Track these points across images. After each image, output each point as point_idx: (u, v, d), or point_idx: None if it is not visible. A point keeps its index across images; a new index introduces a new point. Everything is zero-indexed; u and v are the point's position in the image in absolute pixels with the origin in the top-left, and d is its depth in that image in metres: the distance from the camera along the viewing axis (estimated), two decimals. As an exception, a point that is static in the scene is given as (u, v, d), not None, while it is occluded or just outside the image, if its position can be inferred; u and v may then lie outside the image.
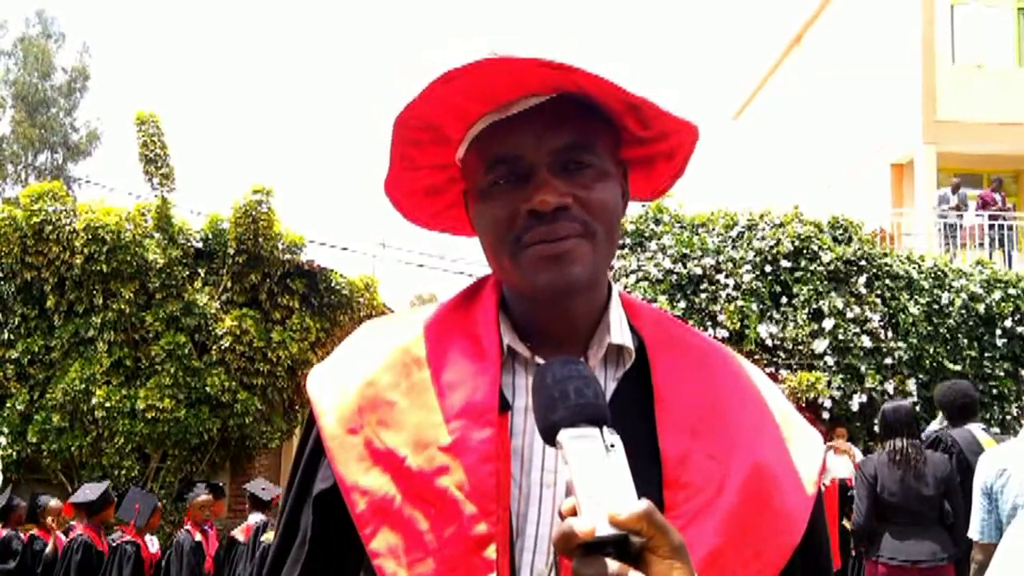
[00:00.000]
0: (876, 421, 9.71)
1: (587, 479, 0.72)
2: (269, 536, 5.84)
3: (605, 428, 0.76)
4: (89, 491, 6.66)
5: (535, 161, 0.98)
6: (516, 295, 1.05)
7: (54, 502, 6.79)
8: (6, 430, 10.12)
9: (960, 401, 5.16)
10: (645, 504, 0.70)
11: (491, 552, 0.92)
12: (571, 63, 0.92)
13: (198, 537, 6.53)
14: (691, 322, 9.26)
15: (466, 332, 1.05)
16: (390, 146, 1.06)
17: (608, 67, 0.94)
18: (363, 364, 1.07)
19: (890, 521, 4.80)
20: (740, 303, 9.99)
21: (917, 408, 8.85)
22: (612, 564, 0.69)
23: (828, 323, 10.00)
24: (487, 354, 1.01)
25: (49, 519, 6.74)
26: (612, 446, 0.75)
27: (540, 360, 1.01)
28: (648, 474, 0.94)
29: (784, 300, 10.21)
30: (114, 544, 6.37)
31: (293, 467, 1.11)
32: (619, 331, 1.04)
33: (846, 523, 7.10)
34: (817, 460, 1.07)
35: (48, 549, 6.40)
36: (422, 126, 1.03)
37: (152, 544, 6.54)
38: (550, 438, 0.78)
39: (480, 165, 1.02)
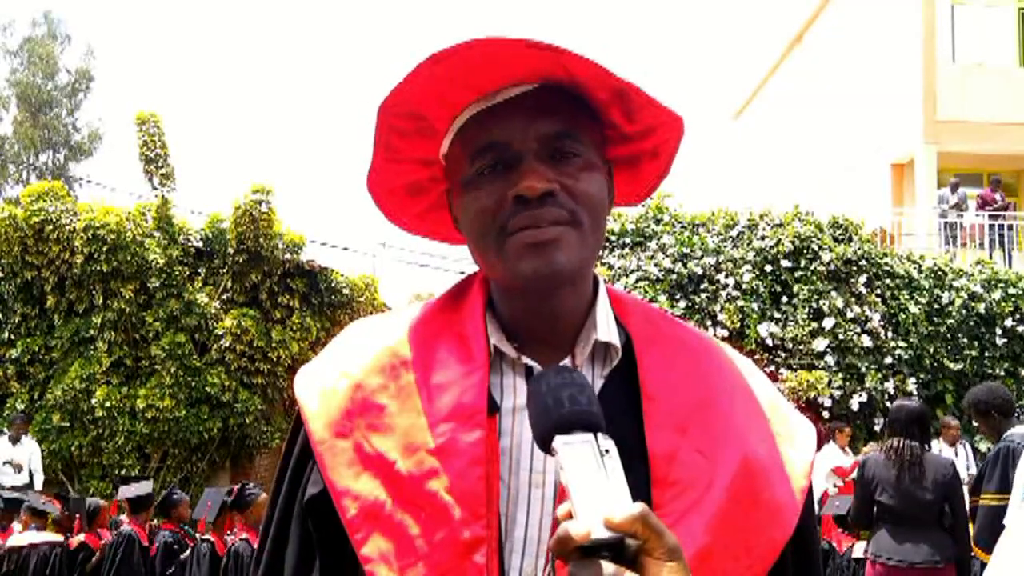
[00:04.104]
0: (876, 420, 9.82)
1: (582, 483, 0.73)
2: None
3: (600, 434, 0.77)
4: (135, 488, 6.71)
5: (522, 148, 0.96)
6: (502, 290, 1.04)
7: (104, 502, 6.82)
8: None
9: (1005, 398, 5.00)
10: (640, 507, 0.71)
11: (481, 556, 0.91)
12: (559, 45, 0.91)
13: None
14: (691, 322, 9.26)
15: (453, 333, 1.03)
16: (374, 135, 1.04)
17: (593, 54, 0.94)
18: (351, 366, 1.06)
19: (887, 522, 4.80)
20: (740, 303, 10.00)
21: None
22: (608, 567, 0.70)
23: (828, 322, 10.00)
24: (474, 355, 1.00)
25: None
26: (607, 451, 0.75)
27: (527, 360, 1.01)
28: (636, 472, 0.93)
29: (784, 299, 10.22)
30: (191, 545, 6.40)
31: (280, 471, 1.10)
32: (605, 328, 1.03)
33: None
34: (809, 451, 1.06)
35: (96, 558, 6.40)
36: (408, 114, 1.01)
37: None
38: (546, 445, 0.79)
39: (465, 156, 1.00)
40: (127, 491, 6.67)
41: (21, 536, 6.44)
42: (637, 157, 1.10)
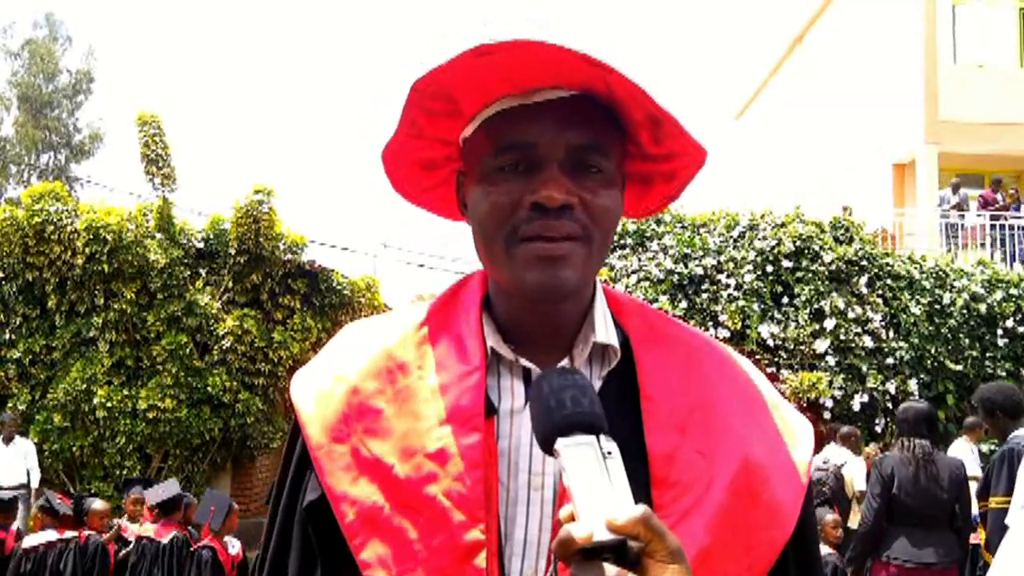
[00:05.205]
0: (878, 421, 9.82)
1: (584, 486, 0.73)
2: None
3: (602, 436, 0.77)
4: (163, 490, 6.68)
5: (548, 154, 0.95)
6: (502, 292, 1.03)
7: (98, 504, 6.76)
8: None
9: (1014, 400, 4.85)
10: (642, 509, 0.71)
11: (481, 560, 0.91)
12: (612, 64, 0.90)
13: None
14: (692, 322, 9.27)
15: (450, 335, 1.03)
16: (402, 110, 1.02)
17: (641, 75, 0.93)
18: (347, 370, 1.05)
19: (901, 522, 4.77)
20: (741, 303, 9.99)
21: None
22: (610, 569, 0.70)
23: (829, 323, 10.00)
24: (471, 358, 0.99)
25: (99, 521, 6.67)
26: (609, 453, 0.75)
27: (524, 362, 1.00)
28: (636, 473, 0.92)
29: (785, 300, 10.21)
30: (191, 550, 6.37)
31: (280, 476, 1.10)
32: (604, 329, 1.03)
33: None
34: (808, 450, 1.06)
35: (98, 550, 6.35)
36: (439, 95, 0.99)
37: (232, 546, 6.47)
38: (548, 447, 0.79)
39: (489, 147, 0.99)
40: (155, 495, 6.64)
41: (38, 535, 6.45)
42: (652, 177, 1.10)
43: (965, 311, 10.47)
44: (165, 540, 6.29)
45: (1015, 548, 1.98)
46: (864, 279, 10.38)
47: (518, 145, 0.97)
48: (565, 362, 1.02)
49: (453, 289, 1.11)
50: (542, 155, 0.96)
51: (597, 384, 1.02)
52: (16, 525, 7.18)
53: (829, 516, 5.75)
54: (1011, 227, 14.45)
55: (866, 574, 5.01)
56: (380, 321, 1.13)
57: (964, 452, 7.62)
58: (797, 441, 1.06)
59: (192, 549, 6.35)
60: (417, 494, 0.94)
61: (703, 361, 1.07)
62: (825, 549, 5.39)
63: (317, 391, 1.06)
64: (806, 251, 10.34)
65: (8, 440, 9.13)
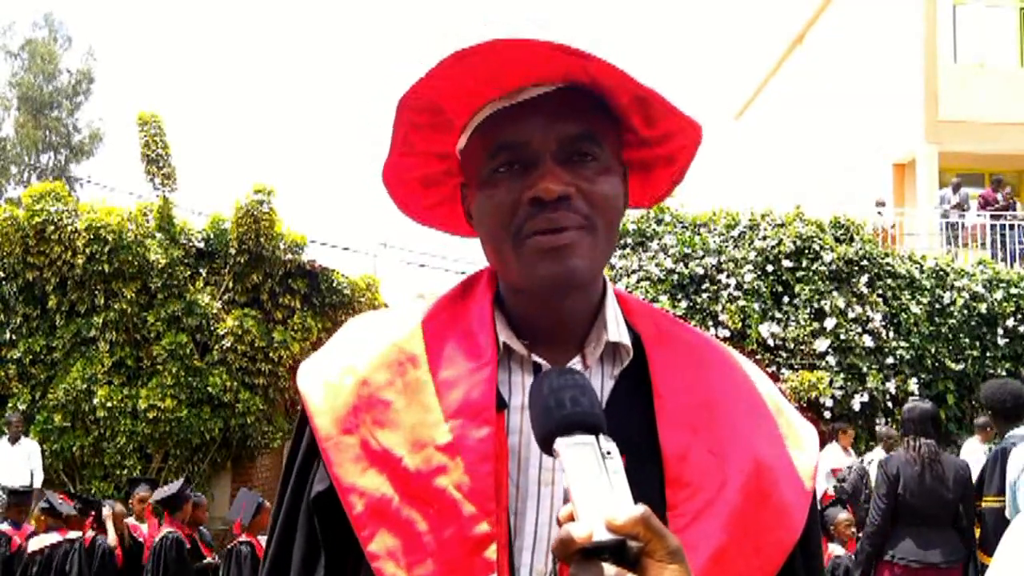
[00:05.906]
0: (878, 421, 9.81)
1: (584, 486, 0.73)
2: None
3: (601, 436, 0.77)
4: (167, 488, 6.73)
5: (540, 149, 0.96)
6: (513, 289, 1.03)
7: (120, 506, 6.78)
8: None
9: (1012, 402, 4.81)
10: (642, 509, 0.71)
11: (491, 552, 0.91)
12: (586, 50, 0.91)
13: None
14: (693, 322, 9.26)
15: (462, 329, 1.03)
16: (392, 129, 1.03)
17: (618, 58, 0.94)
18: (356, 361, 1.05)
19: (907, 522, 4.76)
20: (742, 303, 9.99)
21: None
22: (610, 569, 0.70)
23: (830, 323, 9.99)
24: (483, 352, 1.00)
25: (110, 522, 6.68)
26: (608, 453, 0.75)
27: (536, 358, 1.01)
28: (649, 472, 0.94)
29: (786, 300, 10.21)
30: (229, 547, 6.40)
31: (287, 467, 1.09)
32: (616, 328, 1.03)
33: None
34: (813, 454, 1.06)
35: (107, 544, 6.35)
36: (426, 107, 1.00)
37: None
38: (547, 447, 0.79)
39: (483, 152, 1.00)
40: (161, 493, 6.70)
41: (41, 538, 6.45)
42: (652, 162, 1.10)
43: (965, 311, 10.47)
44: (157, 539, 6.31)
45: (1014, 548, 1.98)
46: (864, 279, 10.37)
47: (510, 145, 0.97)
48: (577, 359, 1.02)
49: (464, 284, 1.11)
50: (535, 151, 0.97)
51: (610, 383, 1.02)
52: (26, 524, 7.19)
53: (842, 515, 5.73)
54: (1011, 227, 14.44)
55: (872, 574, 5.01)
56: (386, 315, 1.13)
57: (977, 452, 7.59)
58: (802, 445, 1.06)
59: (230, 546, 6.38)
60: (427, 486, 0.94)
61: (711, 362, 1.07)
62: (839, 550, 5.37)
63: (325, 383, 1.05)
64: (806, 251, 10.34)
65: (14, 440, 9.15)
